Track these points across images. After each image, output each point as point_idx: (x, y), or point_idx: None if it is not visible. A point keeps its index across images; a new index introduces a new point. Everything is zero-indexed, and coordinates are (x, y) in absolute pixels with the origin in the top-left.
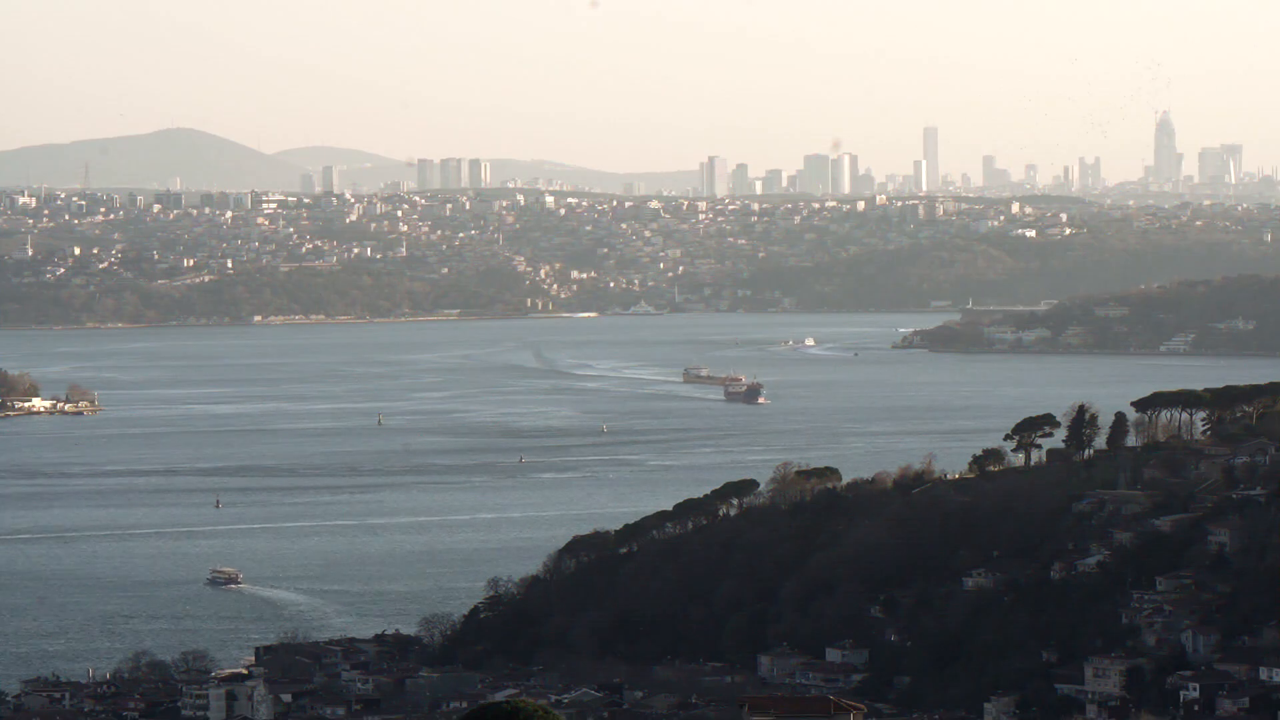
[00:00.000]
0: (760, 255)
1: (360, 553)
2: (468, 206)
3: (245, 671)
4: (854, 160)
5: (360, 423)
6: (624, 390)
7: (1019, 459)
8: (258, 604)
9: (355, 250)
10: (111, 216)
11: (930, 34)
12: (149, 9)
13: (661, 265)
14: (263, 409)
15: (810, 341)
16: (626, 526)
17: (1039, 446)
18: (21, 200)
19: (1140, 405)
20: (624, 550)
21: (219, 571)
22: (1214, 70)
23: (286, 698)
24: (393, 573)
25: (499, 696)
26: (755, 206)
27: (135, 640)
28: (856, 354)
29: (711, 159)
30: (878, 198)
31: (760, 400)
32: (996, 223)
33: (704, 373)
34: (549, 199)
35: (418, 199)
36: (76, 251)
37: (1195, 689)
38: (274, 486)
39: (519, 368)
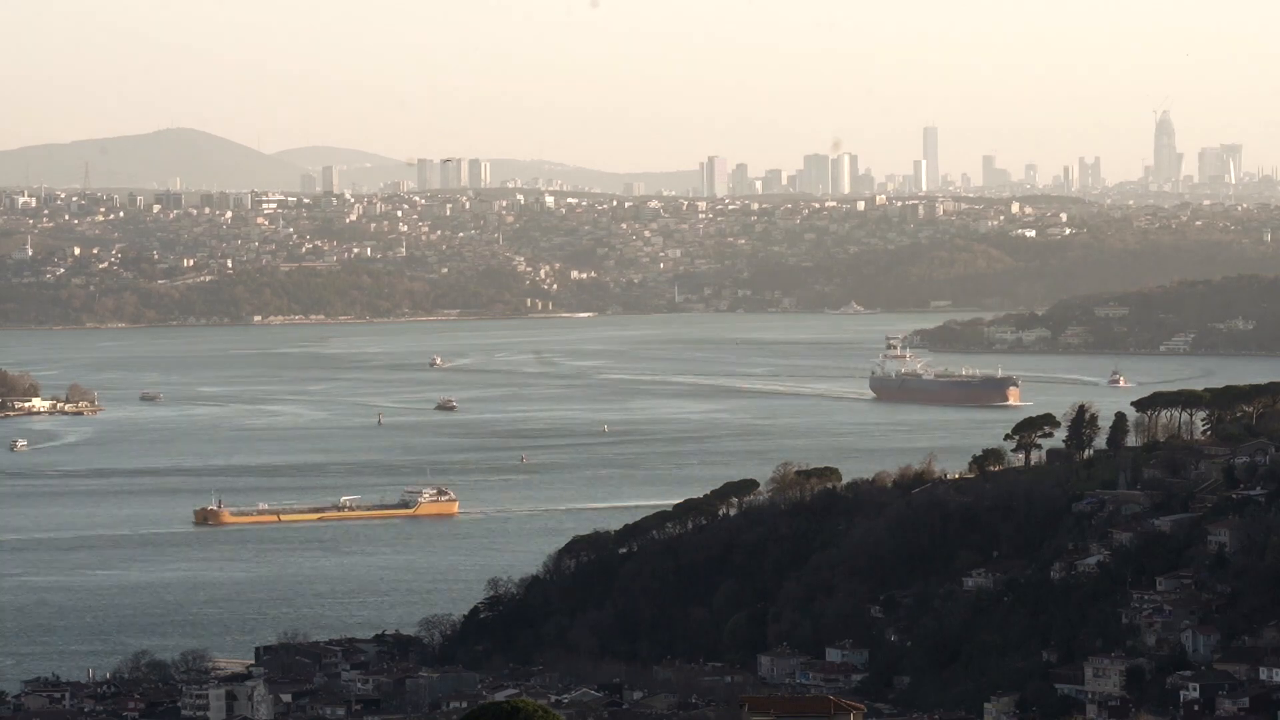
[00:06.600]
0: (760, 255)
1: None
2: (467, 206)
3: (245, 671)
4: (854, 160)
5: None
6: None
7: (1019, 459)
8: None
9: (355, 250)
10: (111, 216)
11: (930, 34)
12: (149, 9)
13: (661, 265)
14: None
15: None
16: (626, 526)
17: (1039, 446)
18: (21, 200)
19: (1140, 405)
20: (624, 550)
21: None
22: (1214, 70)
23: (286, 698)
24: None
25: (499, 696)
26: (755, 206)
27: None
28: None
29: (711, 159)
30: (878, 198)
31: None
32: (996, 223)
33: None
34: (549, 199)
35: (417, 199)
36: (76, 251)
37: (1195, 689)
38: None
39: None
